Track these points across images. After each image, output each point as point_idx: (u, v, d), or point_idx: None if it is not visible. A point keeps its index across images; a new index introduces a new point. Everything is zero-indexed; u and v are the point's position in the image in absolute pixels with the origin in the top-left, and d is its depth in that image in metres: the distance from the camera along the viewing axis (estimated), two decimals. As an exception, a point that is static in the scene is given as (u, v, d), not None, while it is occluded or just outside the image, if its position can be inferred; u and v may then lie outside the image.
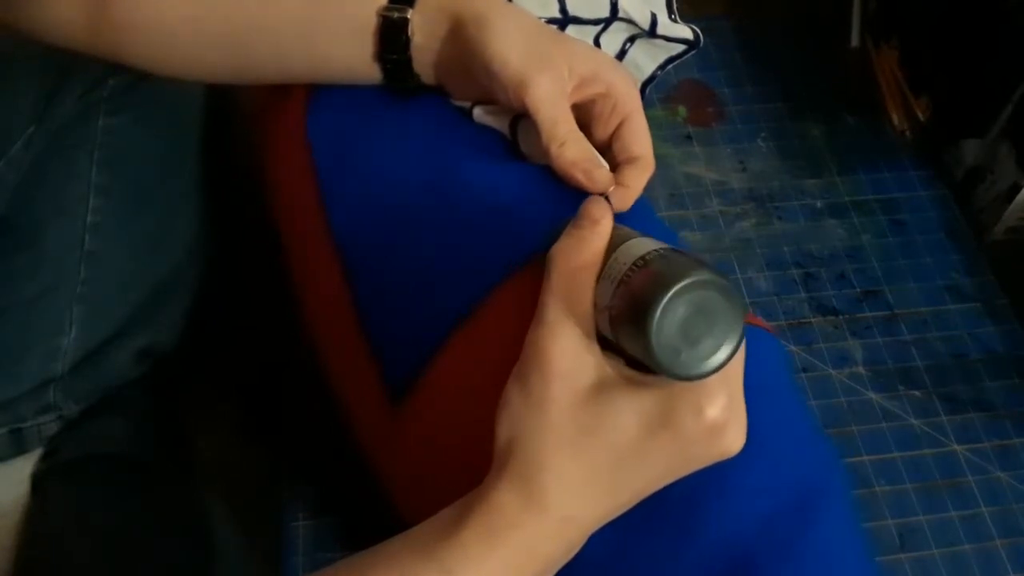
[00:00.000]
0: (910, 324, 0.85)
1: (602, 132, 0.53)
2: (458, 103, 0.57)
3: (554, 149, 0.50)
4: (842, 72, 1.02)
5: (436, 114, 0.57)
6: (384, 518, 0.57)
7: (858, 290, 0.87)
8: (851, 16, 1.02)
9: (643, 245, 0.39)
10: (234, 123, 0.68)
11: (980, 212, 0.91)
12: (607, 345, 0.39)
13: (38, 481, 0.61)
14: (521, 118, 0.55)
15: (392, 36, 0.52)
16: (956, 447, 0.78)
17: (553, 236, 0.42)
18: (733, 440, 0.38)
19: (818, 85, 1.01)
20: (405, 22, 0.52)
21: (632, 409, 0.37)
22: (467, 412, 0.47)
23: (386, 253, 0.54)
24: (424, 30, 0.52)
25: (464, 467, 0.43)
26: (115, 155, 0.58)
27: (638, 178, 0.52)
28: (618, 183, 0.51)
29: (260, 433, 0.75)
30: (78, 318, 0.60)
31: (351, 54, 0.54)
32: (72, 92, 0.54)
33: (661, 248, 0.38)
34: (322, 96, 0.58)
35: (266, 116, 0.62)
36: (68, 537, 0.58)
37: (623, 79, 0.52)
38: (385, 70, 0.54)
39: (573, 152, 0.50)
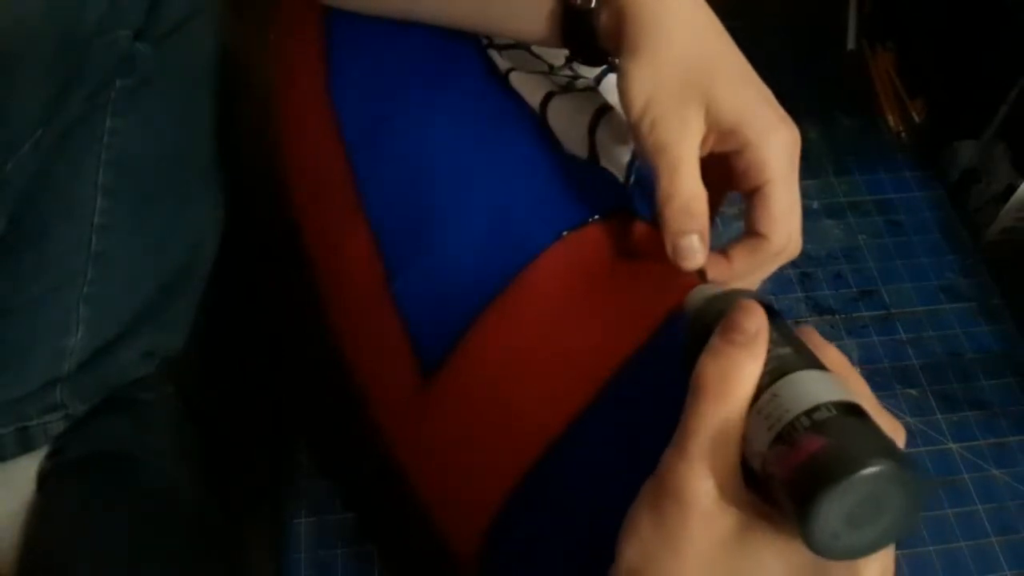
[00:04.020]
0: (906, 323, 0.86)
1: (742, 189, 0.47)
2: (503, 67, 0.56)
3: (659, 202, 0.44)
4: (838, 74, 1.03)
5: (465, 82, 0.56)
6: (386, 516, 0.57)
7: (854, 290, 0.88)
8: (847, 19, 1.03)
9: (809, 386, 0.33)
10: (243, 122, 0.68)
11: (975, 213, 0.92)
12: (749, 472, 0.34)
13: (44, 479, 0.61)
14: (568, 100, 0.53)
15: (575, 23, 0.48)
16: (952, 445, 0.79)
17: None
18: None
19: (814, 87, 1.02)
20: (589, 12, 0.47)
21: (778, 564, 0.33)
22: (503, 385, 0.46)
23: (418, 224, 0.53)
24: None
25: (497, 441, 0.43)
26: (122, 156, 0.58)
27: (745, 259, 0.45)
28: (724, 254, 0.45)
29: (261, 432, 0.75)
30: (85, 318, 0.59)
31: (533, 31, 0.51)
32: (79, 94, 0.53)
33: (833, 401, 0.32)
34: (344, 67, 0.57)
35: (285, 93, 0.62)
36: (73, 535, 0.58)
37: (767, 141, 0.44)
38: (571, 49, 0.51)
39: (672, 213, 0.43)
